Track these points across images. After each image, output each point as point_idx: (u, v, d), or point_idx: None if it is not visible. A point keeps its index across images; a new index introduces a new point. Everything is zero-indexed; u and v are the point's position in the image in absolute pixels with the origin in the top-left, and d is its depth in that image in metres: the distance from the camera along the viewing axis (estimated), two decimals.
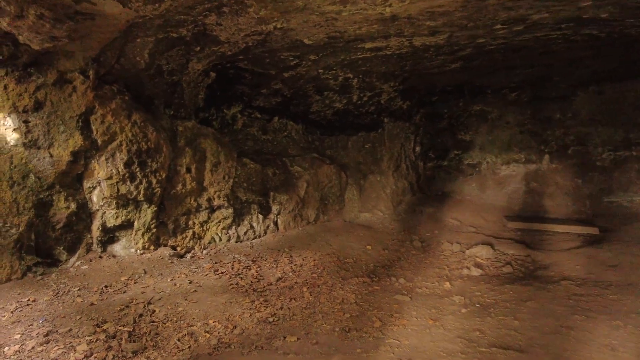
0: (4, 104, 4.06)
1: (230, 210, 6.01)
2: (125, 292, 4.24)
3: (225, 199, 5.94)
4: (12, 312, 3.72)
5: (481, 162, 9.48)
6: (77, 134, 4.46)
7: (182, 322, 3.73)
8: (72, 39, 3.75)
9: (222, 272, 4.87)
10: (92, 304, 3.92)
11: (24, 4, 3.02)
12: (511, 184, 9.02)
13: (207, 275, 4.77)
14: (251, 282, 4.69)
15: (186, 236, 5.55)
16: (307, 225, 7.04)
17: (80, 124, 4.49)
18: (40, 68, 4.24)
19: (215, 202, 5.86)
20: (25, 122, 4.19)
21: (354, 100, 8.15)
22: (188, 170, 5.56)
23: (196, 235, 5.66)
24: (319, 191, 7.52)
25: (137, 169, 4.95)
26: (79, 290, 4.18)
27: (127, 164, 4.86)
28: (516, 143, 9.10)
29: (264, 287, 4.61)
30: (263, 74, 6.54)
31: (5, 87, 4.06)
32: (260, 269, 5.11)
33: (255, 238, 6.28)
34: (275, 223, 6.64)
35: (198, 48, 5.16)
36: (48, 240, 4.47)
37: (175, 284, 4.46)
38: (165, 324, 3.67)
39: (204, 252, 5.59)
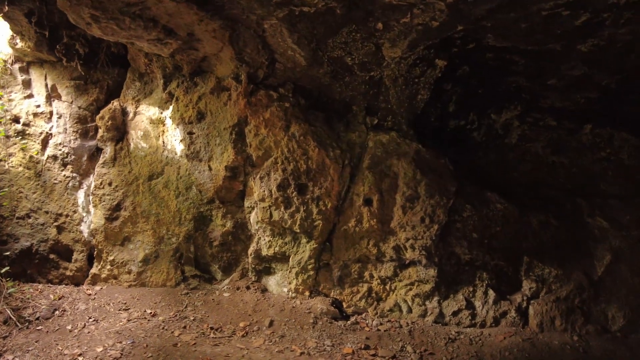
0: (175, 115, 4.12)
1: (433, 272, 3.89)
2: (218, 345, 3.44)
3: (424, 252, 3.88)
4: (128, 320, 3.78)
5: None
6: (229, 147, 3.99)
7: None
8: (179, 38, 3.24)
9: None
10: (175, 345, 3.40)
11: (77, 8, 2.72)
12: None
13: None
14: None
15: (357, 291, 4.04)
16: (597, 336, 3.64)
17: (234, 136, 3.98)
18: (204, 76, 4.03)
19: (408, 255, 3.94)
20: (190, 133, 4.12)
21: None
22: (367, 202, 3.98)
23: (373, 294, 4.02)
24: None
25: (294, 194, 3.95)
26: (193, 320, 3.76)
27: (282, 186, 3.95)
28: None
29: None
30: (537, 54, 3.79)
31: (177, 99, 4.11)
32: None
33: (471, 326, 3.82)
34: (523, 312, 3.81)
35: (379, 25, 3.46)
36: (206, 255, 4.31)
37: None
38: None
39: (375, 322, 3.88)
